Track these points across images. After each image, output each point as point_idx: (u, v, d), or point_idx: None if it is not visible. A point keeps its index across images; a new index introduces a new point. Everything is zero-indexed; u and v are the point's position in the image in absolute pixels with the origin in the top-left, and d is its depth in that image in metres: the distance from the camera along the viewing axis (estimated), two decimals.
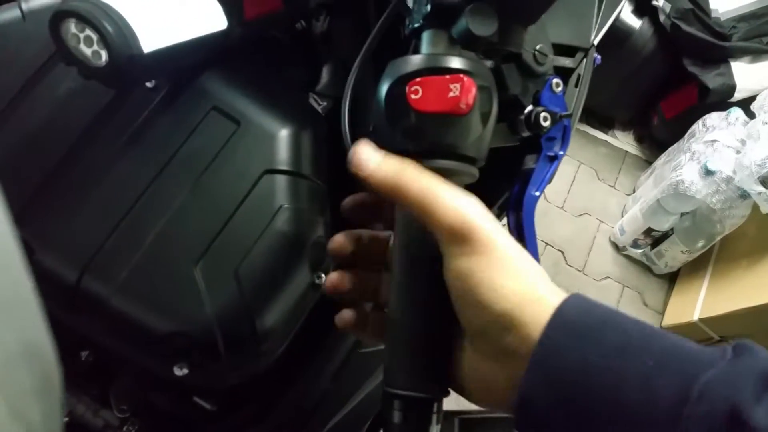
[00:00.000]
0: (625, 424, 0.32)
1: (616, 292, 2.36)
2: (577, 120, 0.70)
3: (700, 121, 2.22)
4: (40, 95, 0.57)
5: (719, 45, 2.18)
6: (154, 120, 0.58)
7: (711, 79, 2.22)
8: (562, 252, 2.39)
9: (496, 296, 0.37)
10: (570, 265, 2.37)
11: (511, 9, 0.45)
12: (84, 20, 0.45)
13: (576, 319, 0.35)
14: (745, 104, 2.13)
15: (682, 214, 2.13)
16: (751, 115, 2.07)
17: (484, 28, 0.42)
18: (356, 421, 0.78)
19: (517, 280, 0.37)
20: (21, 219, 0.56)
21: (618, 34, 2.28)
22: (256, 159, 0.59)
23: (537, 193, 0.67)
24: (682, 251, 2.22)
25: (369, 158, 0.41)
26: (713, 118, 2.18)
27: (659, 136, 2.63)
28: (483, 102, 0.41)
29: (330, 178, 0.66)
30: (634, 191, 2.57)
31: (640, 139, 2.79)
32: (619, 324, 0.35)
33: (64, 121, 0.57)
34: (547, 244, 2.39)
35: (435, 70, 0.41)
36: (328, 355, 0.72)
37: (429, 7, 0.43)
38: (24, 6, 0.59)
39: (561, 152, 0.67)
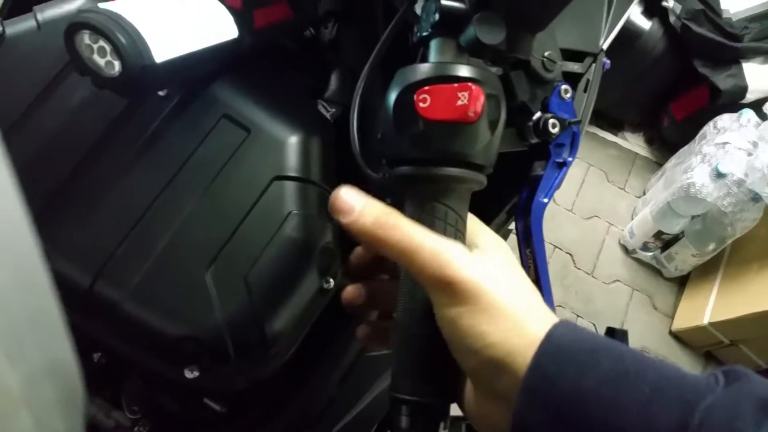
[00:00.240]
0: None
1: (625, 295, 2.36)
2: (586, 125, 0.70)
3: (711, 123, 2.21)
4: (54, 104, 0.58)
5: (731, 46, 2.17)
6: (165, 128, 0.59)
7: (722, 80, 2.21)
8: (571, 255, 2.38)
9: (483, 344, 0.37)
10: (579, 268, 2.36)
11: (519, 17, 0.45)
12: (97, 32, 0.46)
13: (567, 346, 0.36)
14: (757, 106, 2.12)
15: (693, 217, 2.13)
16: (763, 117, 2.07)
17: (492, 36, 0.42)
18: (363, 425, 0.79)
19: (505, 327, 0.37)
20: (36, 224, 0.57)
21: (628, 35, 2.28)
22: (265, 166, 0.60)
23: (545, 200, 0.68)
24: (692, 254, 2.21)
25: (351, 204, 0.41)
26: (724, 119, 2.17)
27: (670, 137, 2.62)
28: (491, 110, 0.42)
29: (338, 185, 0.66)
30: (644, 193, 2.56)
31: (650, 141, 2.78)
32: (612, 350, 0.35)
33: (78, 130, 0.58)
34: (555, 246, 2.38)
35: (443, 78, 0.41)
36: (335, 359, 0.72)
37: (437, 16, 0.43)
38: (39, 16, 0.60)
39: (570, 159, 0.67)
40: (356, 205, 0.41)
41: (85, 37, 0.48)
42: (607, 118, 2.75)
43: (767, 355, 2.10)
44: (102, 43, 0.47)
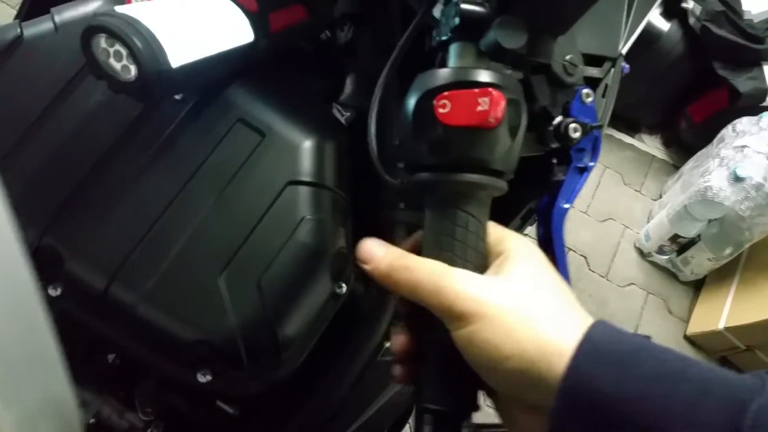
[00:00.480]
0: None
1: (640, 298, 2.34)
2: (605, 130, 0.69)
3: (729, 126, 2.19)
4: (70, 107, 0.59)
5: (751, 47, 2.14)
6: (181, 132, 0.59)
7: (742, 82, 2.18)
8: (585, 257, 2.36)
9: (500, 359, 0.37)
10: (593, 271, 2.35)
11: (541, 21, 0.44)
12: (114, 36, 0.46)
13: (606, 347, 0.35)
14: None
15: (710, 221, 2.10)
16: None
17: (513, 40, 0.42)
18: (375, 429, 0.79)
19: (522, 338, 0.37)
20: (52, 228, 0.57)
21: (646, 36, 2.26)
22: (279, 170, 0.59)
23: (567, 206, 0.67)
24: (708, 258, 2.19)
25: (371, 254, 0.44)
26: (744, 122, 2.14)
27: (687, 140, 2.60)
28: (512, 115, 0.41)
29: (352, 189, 0.66)
30: (660, 196, 2.54)
31: (667, 144, 2.75)
32: (654, 350, 0.35)
33: (94, 133, 0.59)
34: (570, 249, 2.37)
35: (463, 83, 0.41)
36: (347, 363, 0.72)
37: (457, 20, 0.43)
38: (57, 18, 0.60)
39: (591, 163, 0.66)
40: (375, 254, 0.43)
41: (102, 41, 0.48)
42: (624, 119, 2.72)
43: None
44: (118, 47, 0.47)
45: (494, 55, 0.43)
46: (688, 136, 2.57)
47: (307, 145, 0.61)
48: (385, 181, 0.53)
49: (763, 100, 2.19)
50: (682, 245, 2.26)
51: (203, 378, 0.57)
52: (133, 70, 0.47)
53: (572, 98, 0.61)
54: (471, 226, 0.43)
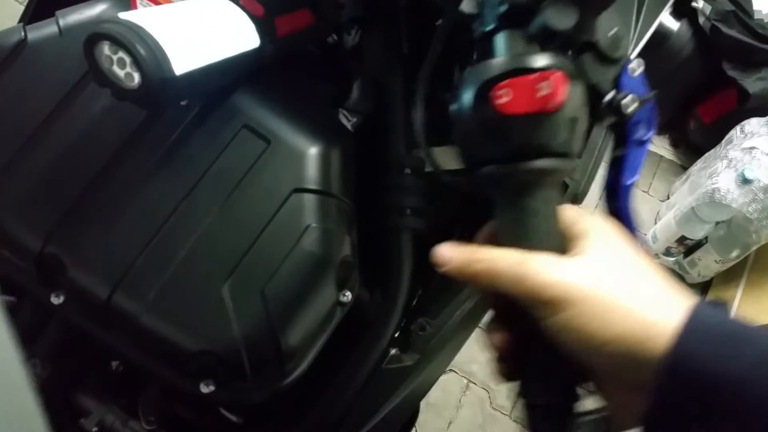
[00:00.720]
0: None
1: None
2: (609, 140, 0.68)
3: (738, 127, 2.16)
4: (75, 112, 0.58)
5: (761, 48, 2.12)
6: (186, 138, 0.58)
7: (751, 83, 2.16)
8: None
9: (599, 344, 0.36)
10: None
11: None
12: (117, 43, 0.46)
13: (711, 327, 0.35)
14: None
15: (717, 223, 2.08)
16: None
17: (564, 21, 0.41)
18: None
19: (619, 320, 0.36)
20: (55, 235, 0.57)
21: (656, 36, 2.23)
22: (285, 178, 0.59)
23: (632, 180, 0.66)
24: (715, 260, 2.17)
25: (444, 255, 0.43)
26: (752, 124, 2.12)
27: (696, 141, 2.57)
28: (573, 96, 0.40)
29: (357, 196, 0.66)
30: (668, 197, 2.52)
31: (675, 144, 2.73)
32: (758, 333, 0.34)
33: (98, 139, 0.58)
34: None
35: (520, 70, 0.40)
36: (353, 370, 0.71)
37: (503, 8, 0.42)
38: (61, 22, 0.59)
39: (648, 136, 0.65)
40: (448, 254, 0.43)
41: (105, 48, 0.47)
42: None
43: None
44: (122, 54, 0.46)
45: (543, 39, 0.42)
46: (696, 136, 2.55)
47: (313, 152, 0.60)
48: (445, 182, 0.52)
49: None
50: (689, 247, 2.24)
51: (206, 388, 0.57)
52: (136, 77, 0.47)
53: (621, 72, 0.60)
54: (545, 211, 0.42)
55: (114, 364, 0.71)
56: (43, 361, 0.67)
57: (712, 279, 2.33)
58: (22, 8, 0.81)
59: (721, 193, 1.95)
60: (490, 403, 2.01)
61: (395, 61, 0.72)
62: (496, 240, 0.44)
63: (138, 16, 0.47)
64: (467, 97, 0.42)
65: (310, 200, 0.59)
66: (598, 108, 0.59)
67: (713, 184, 1.99)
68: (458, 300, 0.74)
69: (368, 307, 0.73)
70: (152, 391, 0.69)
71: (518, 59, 0.40)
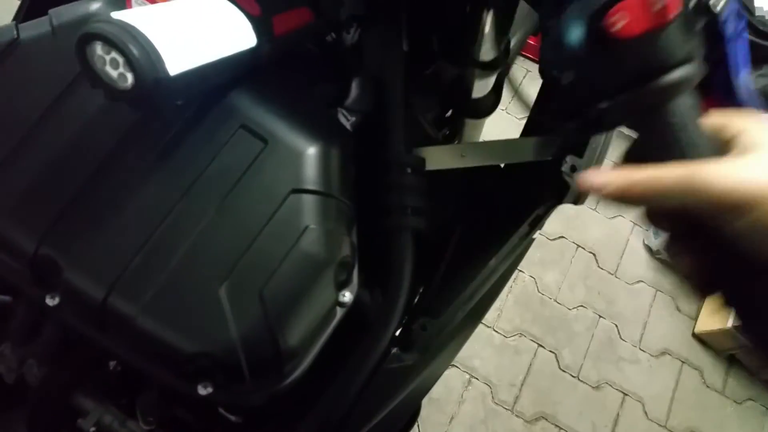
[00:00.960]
0: None
1: (648, 296, 2.32)
2: (611, 139, 0.68)
3: None
4: (68, 112, 0.57)
5: (763, 45, 2.10)
6: (181, 139, 0.58)
7: (754, 80, 2.14)
8: (594, 254, 2.35)
9: None
10: (602, 268, 2.33)
11: None
12: (110, 43, 0.45)
13: None
14: None
15: None
16: None
17: None
18: None
19: None
20: (49, 236, 0.56)
21: None
22: (282, 178, 0.58)
23: (745, 72, 0.64)
24: None
25: (600, 179, 0.41)
26: None
27: None
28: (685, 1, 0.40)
29: (357, 196, 0.65)
30: None
31: None
32: None
33: (93, 139, 0.57)
34: (578, 246, 2.35)
35: None
36: (354, 370, 0.71)
37: None
38: (54, 21, 0.59)
39: (742, 24, 0.63)
40: (602, 179, 0.41)
41: (97, 49, 0.46)
42: None
43: None
44: (114, 54, 0.45)
45: None
46: None
47: (311, 152, 0.59)
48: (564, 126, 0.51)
49: None
50: None
51: (204, 390, 0.56)
52: (129, 78, 0.46)
53: None
54: (692, 121, 0.41)
55: (112, 364, 0.70)
56: (39, 361, 0.67)
57: None
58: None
59: None
60: (492, 398, 2.01)
61: (395, 60, 0.71)
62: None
63: (131, 16, 0.46)
64: (577, 33, 0.41)
65: (308, 201, 0.58)
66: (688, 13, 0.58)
67: None
68: (460, 299, 0.73)
69: (369, 307, 0.72)
70: (150, 392, 0.68)
71: None
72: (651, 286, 2.34)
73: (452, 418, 1.97)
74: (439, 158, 0.74)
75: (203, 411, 0.68)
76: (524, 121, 0.94)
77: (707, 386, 2.18)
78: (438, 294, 0.80)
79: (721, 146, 0.41)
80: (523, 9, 0.83)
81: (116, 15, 0.46)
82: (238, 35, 0.55)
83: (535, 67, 0.80)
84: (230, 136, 0.58)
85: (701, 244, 0.42)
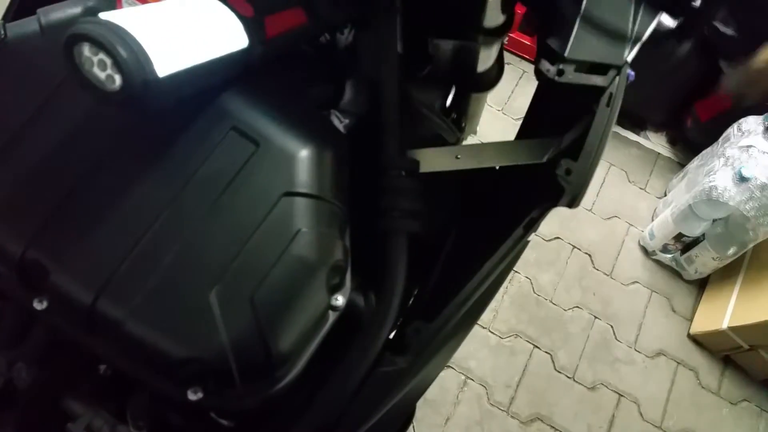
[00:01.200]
0: None
1: (644, 297, 2.32)
2: (606, 143, 0.68)
3: (735, 125, 2.15)
4: (57, 113, 0.57)
5: None
6: (172, 141, 0.57)
7: None
8: (590, 255, 2.34)
9: None
10: (597, 269, 2.33)
11: None
12: (97, 44, 0.44)
13: None
14: None
15: (714, 221, 2.08)
16: None
17: None
18: None
19: None
20: (36, 240, 0.55)
21: (653, 33, 2.22)
22: (274, 181, 0.57)
23: None
24: (713, 258, 2.17)
25: None
26: (749, 122, 2.11)
27: (693, 138, 2.57)
28: None
29: (350, 199, 0.64)
30: (665, 194, 2.51)
31: (673, 141, 2.72)
32: None
33: (82, 141, 0.57)
34: (574, 246, 2.35)
35: None
36: (347, 374, 0.71)
37: None
38: (43, 20, 0.58)
39: None
40: None
41: (85, 49, 0.45)
42: (630, 117, 2.68)
43: None
44: (102, 56, 0.45)
45: None
46: (693, 134, 2.54)
47: (304, 154, 0.59)
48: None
49: None
50: (686, 244, 2.23)
51: (194, 395, 0.56)
52: (117, 80, 0.45)
53: None
54: None
55: (102, 367, 0.69)
56: (28, 364, 0.66)
57: (709, 276, 2.33)
58: None
59: (719, 191, 1.94)
60: (488, 399, 2.00)
61: (390, 61, 0.70)
62: None
63: (119, 16, 0.46)
64: None
65: (300, 204, 0.58)
66: None
67: (710, 182, 1.98)
68: (455, 302, 0.73)
69: (362, 311, 0.72)
70: (141, 396, 0.68)
71: None
72: (646, 287, 2.34)
73: (448, 419, 1.96)
74: (433, 160, 0.73)
75: (194, 415, 0.67)
76: (521, 121, 0.93)
77: (702, 387, 2.18)
78: (432, 297, 0.80)
79: None
80: None
81: (104, 15, 0.46)
82: (230, 36, 0.54)
83: (530, 68, 0.79)
84: (221, 139, 0.57)
85: None
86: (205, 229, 0.55)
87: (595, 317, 2.23)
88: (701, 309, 2.30)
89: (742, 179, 1.89)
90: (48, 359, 0.66)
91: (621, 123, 2.70)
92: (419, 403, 0.87)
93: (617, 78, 0.67)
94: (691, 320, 2.29)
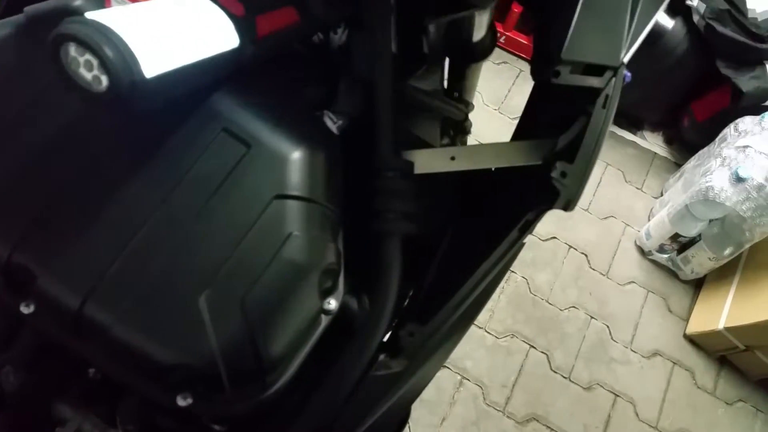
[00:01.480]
0: None
1: (640, 297, 2.31)
2: (602, 145, 0.67)
3: (732, 125, 2.15)
4: (44, 114, 0.56)
5: (755, 47, 2.11)
6: (162, 142, 0.56)
7: (745, 82, 2.15)
8: (586, 255, 2.34)
9: None
10: (594, 269, 2.32)
11: None
12: (83, 44, 0.43)
13: None
14: None
15: (711, 221, 2.08)
16: None
17: None
18: None
19: None
20: (22, 243, 0.55)
21: (650, 33, 2.21)
22: (266, 183, 0.57)
23: None
24: (709, 258, 2.17)
25: None
26: (746, 122, 2.11)
27: (690, 138, 2.57)
28: None
29: (343, 201, 0.64)
30: (662, 194, 2.51)
31: (669, 141, 2.72)
32: None
33: (70, 141, 0.56)
34: (570, 246, 2.34)
35: None
36: (340, 378, 0.70)
37: None
38: (29, 19, 0.57)
39: None
40: None
41: (71, 50, 0.44)
42: (627, 116, 2.68)
43: None
44: (88, 56, 0.44)
45: None
46: (690, 134, 2.54)
47: (296, 156, 0.58)
48: None
49: (766, 99, 2.16)
50: (682, 244, 2.23)
51: (183, 401, 0.55)
52: (104, 81, 0.44)
53: None
54: None
55: (91, 370, 0.69)
56: (16, 368, 0.65)
57: (705, 276, 2.33)
58: None
59: (715, 192, 1.94)
60: (484, 399, 2.00)
61: (384, 61, 0.70)
62: None
63: (106, 16, 0.45)
64: None
65: (292, 207, 0.57)
66: None
67: (707, 182, 1.98)
68: (450, 305, 0.72)
69: (356, 314, 0.71)
70: (131, 400, 0.67)
71: None
72: (642, 287, 2.34)
73: (443, 419, 1.96)
74: (428, 162, 0.72)
75: (185, 420, 0.66)
76: (517, 121, 0.92)
77: (698, 387, 2.18)
78: (428, 298, 0.79)
79: None
80: None
81: (91, 15, 0.45)
82: (220, 36, 0.53)
83: (527, 67, 0.79)
84: (212, 140, 0.56)
85: None
86: (194, 233, 0.54)
87: (592, 317, 2.22)
88: (697, 309, 2.30)
89: (739, 180, 1.89)
90: (36, 363, 0.65)
91: (618, 122, 2.70)
92: (414, 404, 0.86)
93: (613, 79, 0.66)
94: (687, 320, 2.29)
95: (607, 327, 2.22)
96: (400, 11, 0.69)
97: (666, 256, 2.32)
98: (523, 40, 2.61)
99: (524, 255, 2.21)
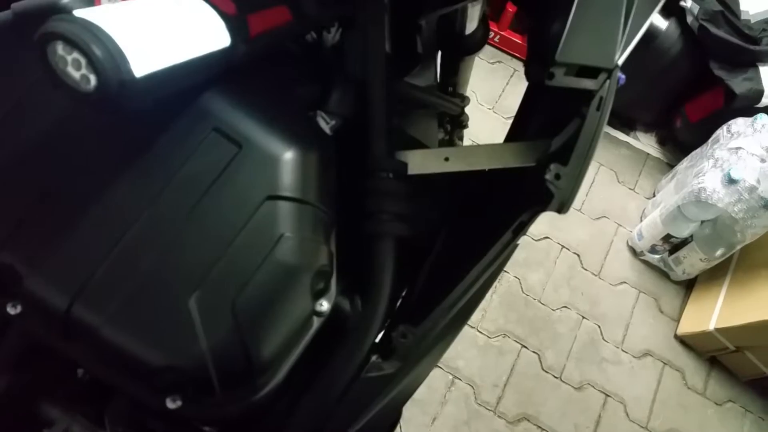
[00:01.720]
0: None
1: (632, 297, 2.32)
2: (596, 147, 0.67)
3: (724, 127, 2.16)
4: (31, 112, 0.55)
5: (748, 48, 2.11)
6: (151, 141, 0.55)
7: (738, 83, 2.15)
8: (578, 255, 2.34)
9: None
10: (586, 269, 2.33)
11: None
12: (71, 43, 0.42)
13: None
14: None
15: (703, 222, 2.08)
16: None
17: None
18: None
19: None
20: (9, 244, 0.54)
21: (644, 34, 2.22)
22: (257, 184, 0.56)
23: None
24: (700, 259, 2.17)
25: None
26: (739, 124, 2.11)
27: (682, 139, 2.57)
28: None
29: (336, 202, 0.63)
30: (654, 195, 2.52)
31: (662, 142, 2.73)
32: None
33: (58, 140, 0.55)
34: (563, 246, 2.35)
35: None
36: (332, 379, 0.69)
37: None
38: (16, 16, 0.56)
39: None
40: None
41: (59, 48, 0.44)
42: (620, 117, 2.69)
43: None
44: (76, 55, 0.43)
45: None
46: (683, 135, 2.55)
47: (288, 157, 0.57)
48: None
49: (759, 101, 2.16)
50: (674, 245, 2.24)
51: (172, 404, 0.54)
52: (92, 80, 0.43)
53: None
54: None
55: (80, 371, 0.68)
56: (2, 369, 0.64)
57: (696, 277, 2.34)
58: None
59: (707, 193, 1.95)
60: (475, 398, 2.00)
61: (378, 61, 0.69)
62: None
63: (94, 14, 0.44)
64: None
65: (284, 208, 0.56)
66: None
67: (699, 183, 1.99)
68: (442, 307, 0.72)
69: (348, 315, 0.71)
70: (120, 401, 0.66)
71: None
72: (634, 288, 2.34)
73: (435, 418, 1.96)
74: (422, 162, 0.72)
75: (175, 422, 0.66)
76: (511, 121, 0.92)
77: (688, 388, 2.19)
78: (420, 299, 0.78)
79: None
80: None
81: (79, 13, 0.44)
82: (211, 35, 0.52)
83: (521, 67, 0.78)
84: (202, 140, 0.56)
85: None
86: (184, 233, 0.54)
87: (583, 317, 2.23)
88: (688, 310, 2.31)
89: (731, 181, 1.89)
90: (23, 364, 0.64)
91: (611, 123, 2.70)
92: (407, 404, 0.86)
93: (608, 81, 0.65)
94: (678, 321, 2.30)
95: (599, 327, 2.22)
96: (394, 10, 0.69)
97: (658, 256, 2.33)
98: (517, 39, 2.61)
99: (517, 255, 2.18)
